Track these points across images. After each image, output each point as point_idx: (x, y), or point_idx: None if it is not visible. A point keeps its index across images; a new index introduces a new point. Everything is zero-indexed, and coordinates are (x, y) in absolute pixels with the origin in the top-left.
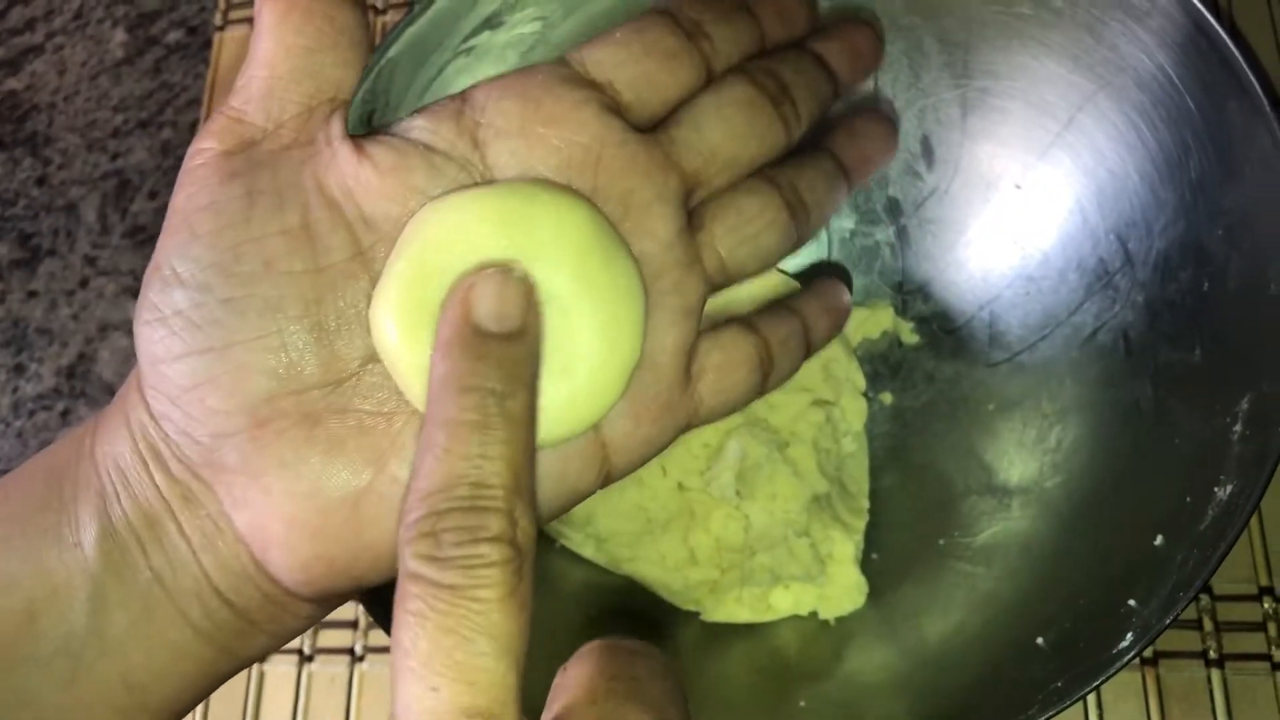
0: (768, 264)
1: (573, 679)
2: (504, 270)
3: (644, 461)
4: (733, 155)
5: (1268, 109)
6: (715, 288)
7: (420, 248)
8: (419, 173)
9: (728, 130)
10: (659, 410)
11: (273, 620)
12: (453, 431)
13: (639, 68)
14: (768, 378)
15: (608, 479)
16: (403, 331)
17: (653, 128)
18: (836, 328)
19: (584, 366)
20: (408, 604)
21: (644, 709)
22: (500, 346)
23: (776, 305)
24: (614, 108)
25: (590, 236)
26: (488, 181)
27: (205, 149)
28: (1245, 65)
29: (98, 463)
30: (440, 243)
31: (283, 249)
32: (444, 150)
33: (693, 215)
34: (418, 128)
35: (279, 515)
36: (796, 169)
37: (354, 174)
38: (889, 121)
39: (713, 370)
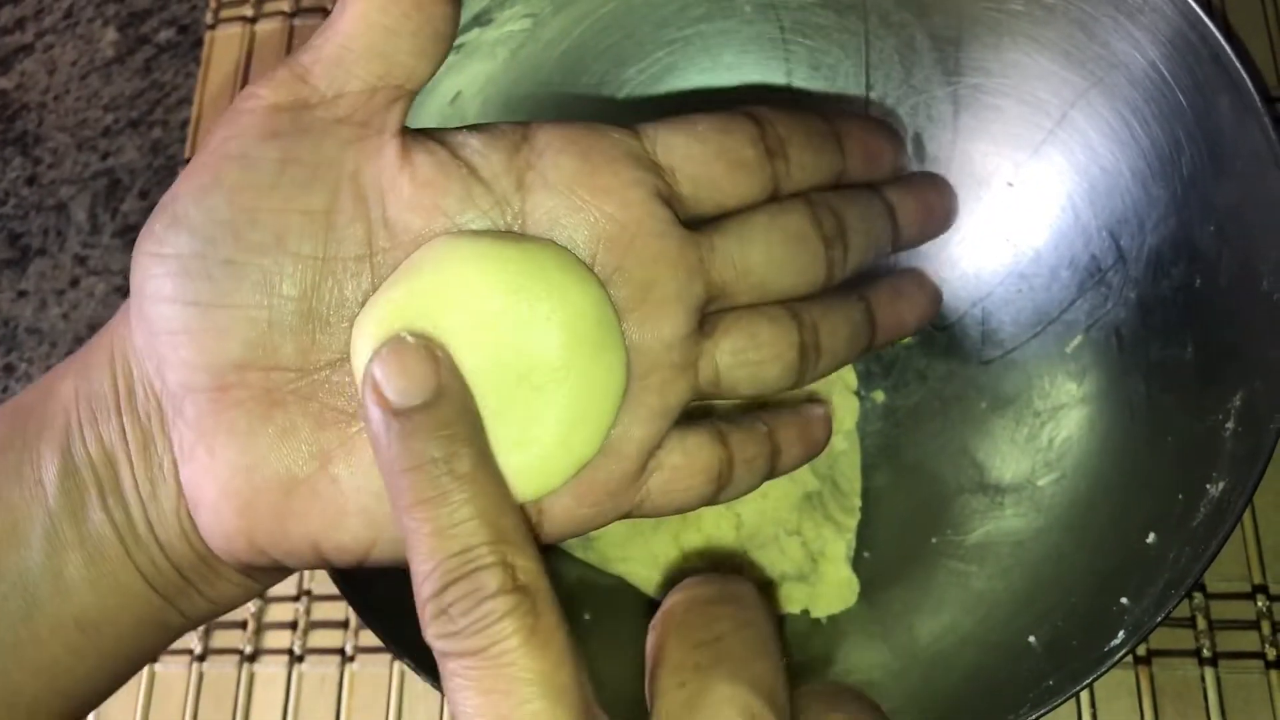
0: (760, 394)
1: (656, 648)
2: (397, 341)
3: (572, 537)
4: (765, 281)
5: (1259, 105)
6: (700, 395)
7: (422, 283)
8: (453, 196)
9: (769, 256)
10: (603, 495)
11: (205, 582)
12: (417, 513)
13: (706, 167)
14: (720, 491)
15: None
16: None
17: (699, 224)
18: (806, 459)
19: (538, 448)
20: (449, 681)
21: (732, 679)
22: (424, 416)
23: (754, 419)
24: (667, 196)
25: (588, 325)
26: (514, 229)
27: (259, 95)
28: (1237, 61)
29: (66, 400)
30: (443, 285)
31: (298, 228)
32: (486, 180)
33: (705, 319)
34: (470, 147)
35: (215, 479)
36: (825, 310)
37: (392, 175)
38: (935, 291)
39: (669, 470)
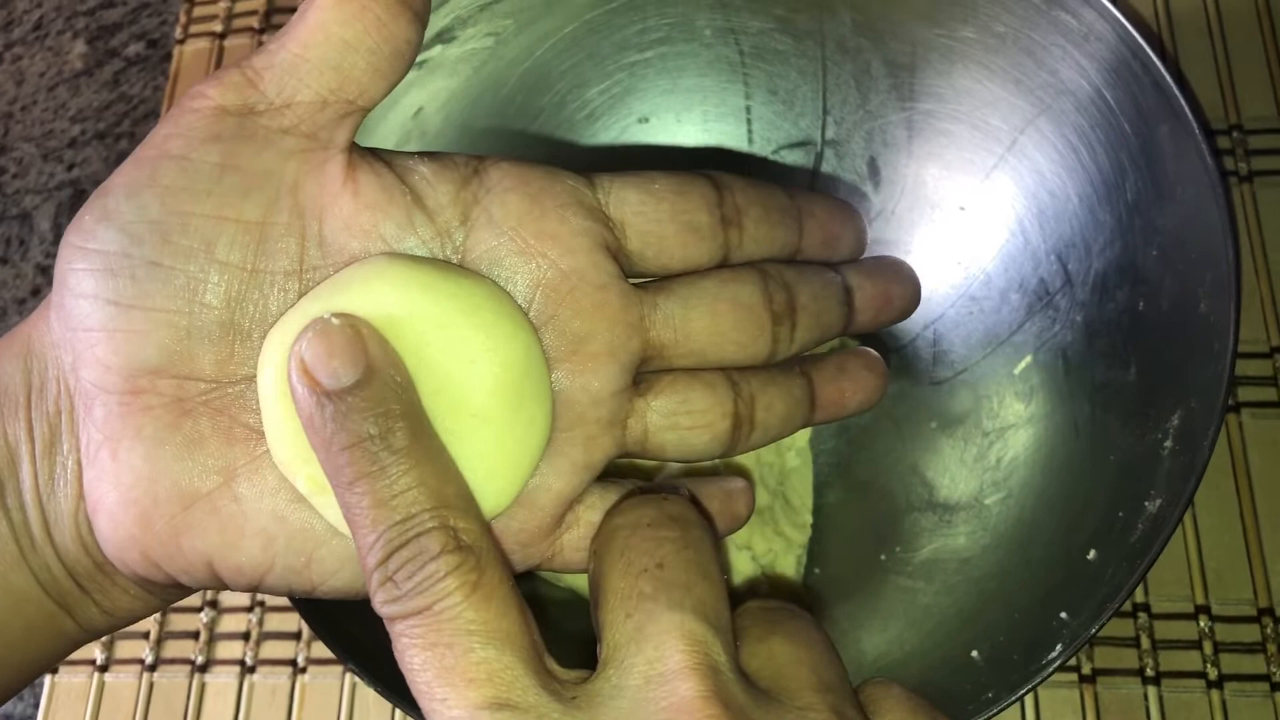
0: (684, 459)
1: (598, 575)
2: (322, 323)
3: None
4: (704, 348)
5: (1197, 132)
6: (627, 455)
7: (345, 300)
8: (393, 221)
9: (713, 324)
10: (514, 546)
11: (100, 591)
12: (358, 488)
13: (658, 227)
14: None
15: None
16: (280, 378)
17: (643, 283)
18: (726, 533)
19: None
20: (398, 644)
21: (677, 606)
22: (355, 395)
23: (679, 483)
24: (614, 250)
25: (514, 374)
26: (446, 262)
27: (207, 95)
28: (1177, 90)
29: None
30: (366, 307)
31: (229, 236)
32: (430, 209)
33: (641, 377)
34: (419, 174)
35: (116, 484)
36: (764, 383)
37: (333, 191)
38: (882, 373)
39: (587, 525)
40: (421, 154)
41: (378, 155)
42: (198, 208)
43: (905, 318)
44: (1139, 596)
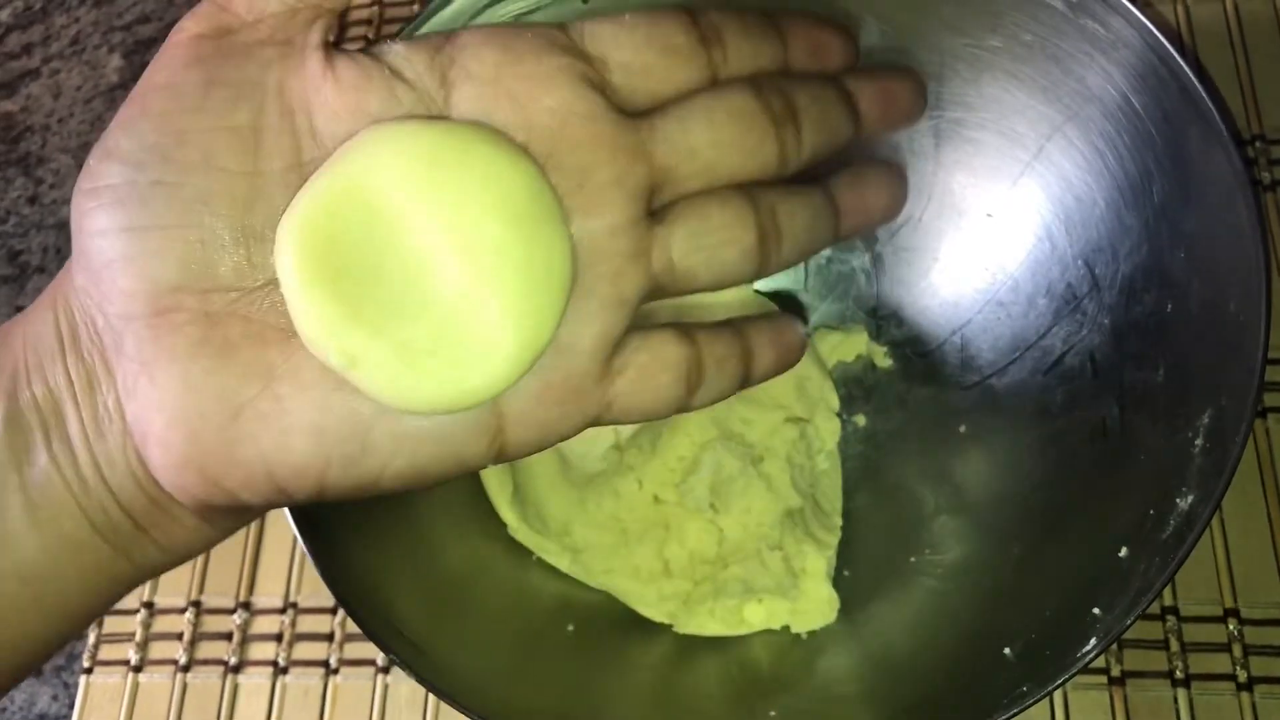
0: (721, 282)
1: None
2: None
3: (541, 446)
4: (712, 162)
5: (1225, 135)
6: (658, 288)
7: (343, 170)
8: (376, 96)
9: (714, 136)
10: (565, 394)
11: (157, 527)
12: None
13: (637, 54)
14: (693, 393)
15: (500, 454)
16: (297, 257)
17: (638, 116)
18: (782, 365)
19: (482, 340)
20: None
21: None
22: None
23: (723, 324)
24: (597, 83)
25: (521, 200)
26: (438, 117)
27: (183, 28)
28: (1204, 93)
29: (15, 347)
30: (364, 171)
31: (226, 145)
32: (409, 80)
33: (656, 210)
34: (393, 52)
35: (160, 409)
36: (782, 195)
37: (315, 84)
38: (901, 177)
39: (635, 370)
40: (392, 38)
41: (354, 50)
42: (191, 124)
43: (914, 117)
44: (1168, 599)
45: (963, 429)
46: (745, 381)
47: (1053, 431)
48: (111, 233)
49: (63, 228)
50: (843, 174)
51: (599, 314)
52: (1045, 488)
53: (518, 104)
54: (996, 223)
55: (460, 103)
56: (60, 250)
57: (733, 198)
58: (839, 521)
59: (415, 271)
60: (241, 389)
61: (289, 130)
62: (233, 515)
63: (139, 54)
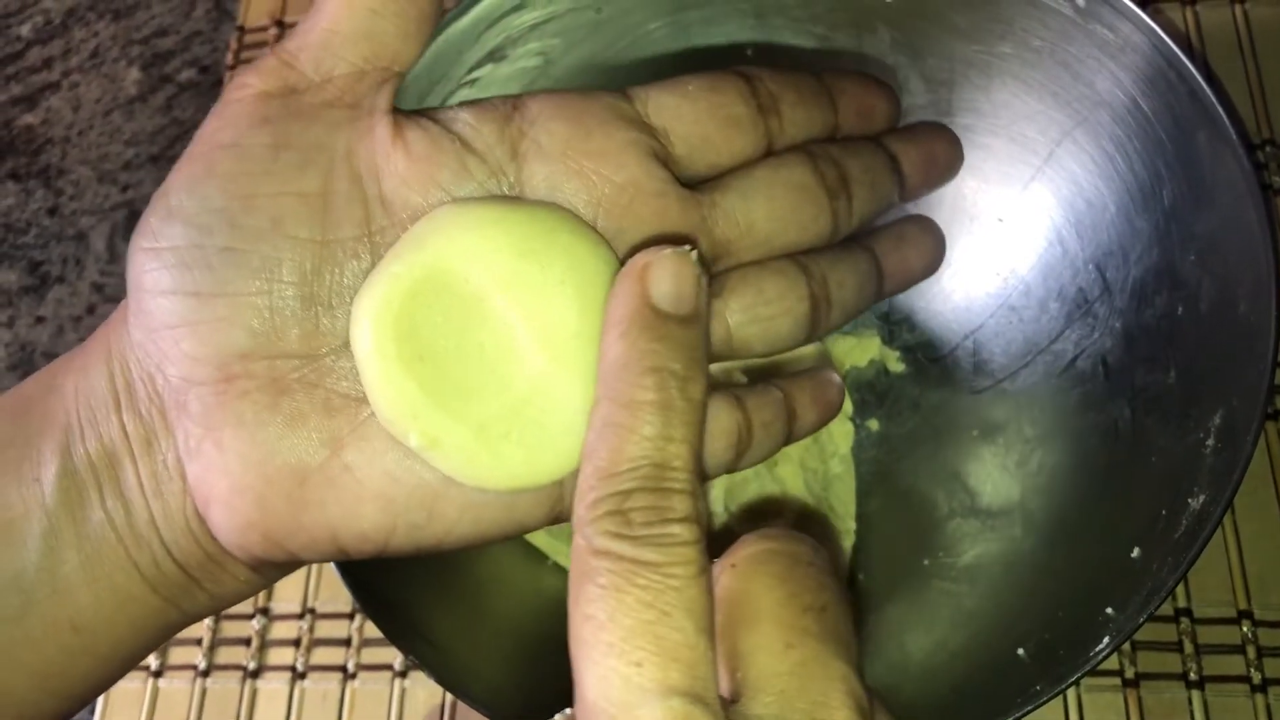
0: (773, 350)
1: (740, 593)
2: (680, 252)
3: None
4: (769, 236)
5: (1234, 138)
6: (713, 359)
7: (423, 255)
8: (447, 169)
9: (772, 210)
10: None
11: (211, 579)
12: (636, 411)
13: (699, 126)
14: (741, 456)
15: (559, 518)
16: (377, 339)
17: (698, 184)
18: (821, 423)
19: (560, 424)
20: (599, 579)
21: (844, 658)
22: (679, 329)
23: (767, 384)
24: (662, 156)
25: (600, 287)
26: (513, 196)
27: (247, 84)
28: (1213, 98)
29: (67, 397)
30: (445, 255)
31: (295, 211)
32: (480, 152)
33: (712, 280)
34: (461, 121)
35: (226, 473)
36: (832, 261)
37: (385, 152)
38: (939, 236)
39: None
40: (460, 104)
41: (420, 113)
42: (259, 188)
43: (952, 176)
44: (1181, 601)
45: (975, 432)
46: (788, 441)
47: (1065, 435)
48: (177, 295)
49: (82, 239)
50: (885, 235)
51: None
52: (1058, 490)
53: (588, 180)
54: (1008, 227)
55: (531, 178)
56: (80, 261)
57: (787, 269)
58: (853, 525)
59: (495, 355)
60: (309, 456)
61: (358, 197)
62: (287, 568)
63: (156, 67)
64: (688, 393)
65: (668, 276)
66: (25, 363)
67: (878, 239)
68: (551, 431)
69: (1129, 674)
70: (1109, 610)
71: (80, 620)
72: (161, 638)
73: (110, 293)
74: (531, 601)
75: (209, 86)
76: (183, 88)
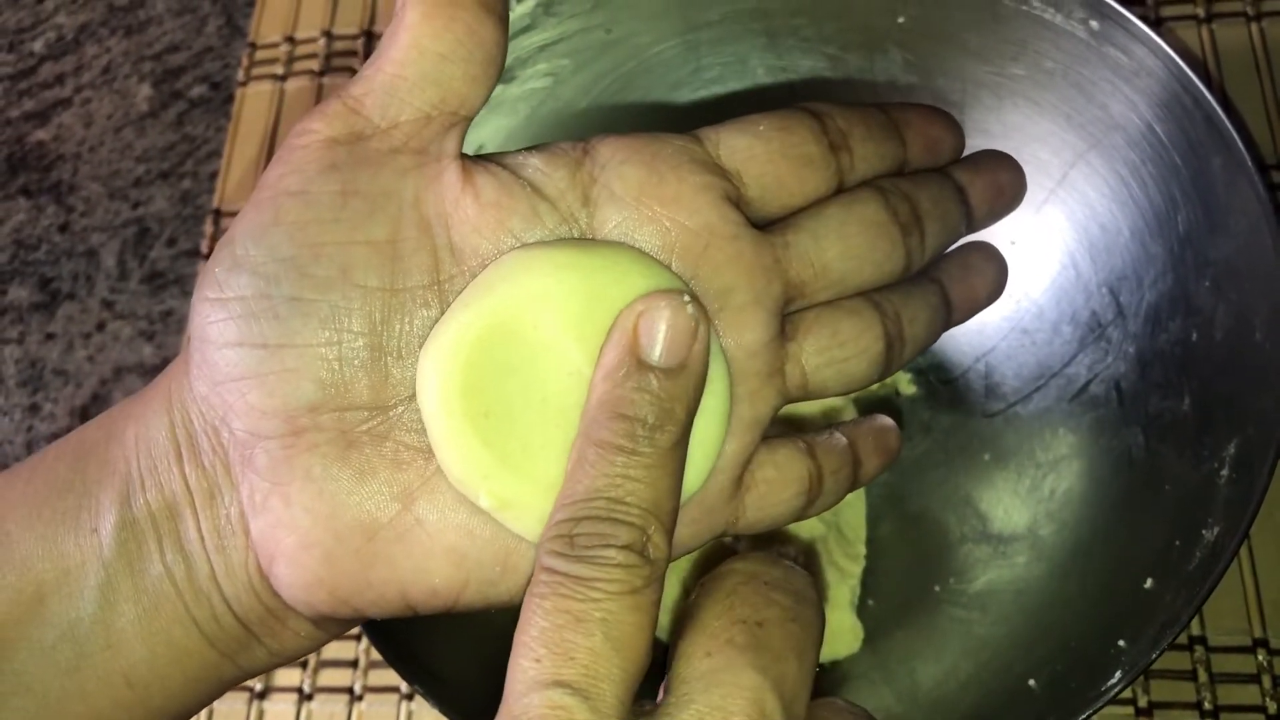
0: (850, 390)
1: (695, 608)
2: (675, 299)
3: (670, 560)
4: (844, 275)
5: (1249, 164)
6: (789, 402)
7: (490, 303)
8: (519, 216)
9: (846, 249)
10: (700, 514)
11: (271, 635)
12: (601, 453)
13: (771, 167)
14: (811, 504)
15: None
16: (443, 394)
17: (769, 225)
18: (882, 470)
19: None
20: (535, 589)
21: (759, 669)
22: (661, 380)
23: (833, 432)
24: (735, 199)
25: None
26: (584, 239)
27: (313, 129)
28: (1229, 123)
29: (127, 446)
30: (513, 301)
31: (363, 260)
32: (551, 198)
33: (785, 321)
34: (531, 166)
35: (293, 529)
36: (904, 298)
37: (454, 199)
38: (1002, 262)
39: (764, 485)
40: (529, 148)
41: (488, 158)
42: (327, 237)
43: (1017, 204)
44: (1196, 629)
45: (987, 457)
46: (852, 488)
47: (1078, 460)
48: (243, 347)
49: (93, 255)
50: (951, 264)
51: (737, 436)
52: (1070, 518)
53: (662, 226)
54: (1020, 250)
55: (604, 224)
56: (90, 278)
57: (862, 309)
58: (863, 550)
59: (569, 409)
60: (380, 511)
61: (427, 246)
62: (349, 624)
63: (167, 83)
64: (655, 441)
65: (659, 326)
66: (35, 379)
67: (944, 269)
68: None
69: (1142, 703)
70: (1121, 642)
71: (134, 675)
72: (217, 693)
73: (120, 310)
74: (501, 608)
75: (220, 103)
76: (194, 104)
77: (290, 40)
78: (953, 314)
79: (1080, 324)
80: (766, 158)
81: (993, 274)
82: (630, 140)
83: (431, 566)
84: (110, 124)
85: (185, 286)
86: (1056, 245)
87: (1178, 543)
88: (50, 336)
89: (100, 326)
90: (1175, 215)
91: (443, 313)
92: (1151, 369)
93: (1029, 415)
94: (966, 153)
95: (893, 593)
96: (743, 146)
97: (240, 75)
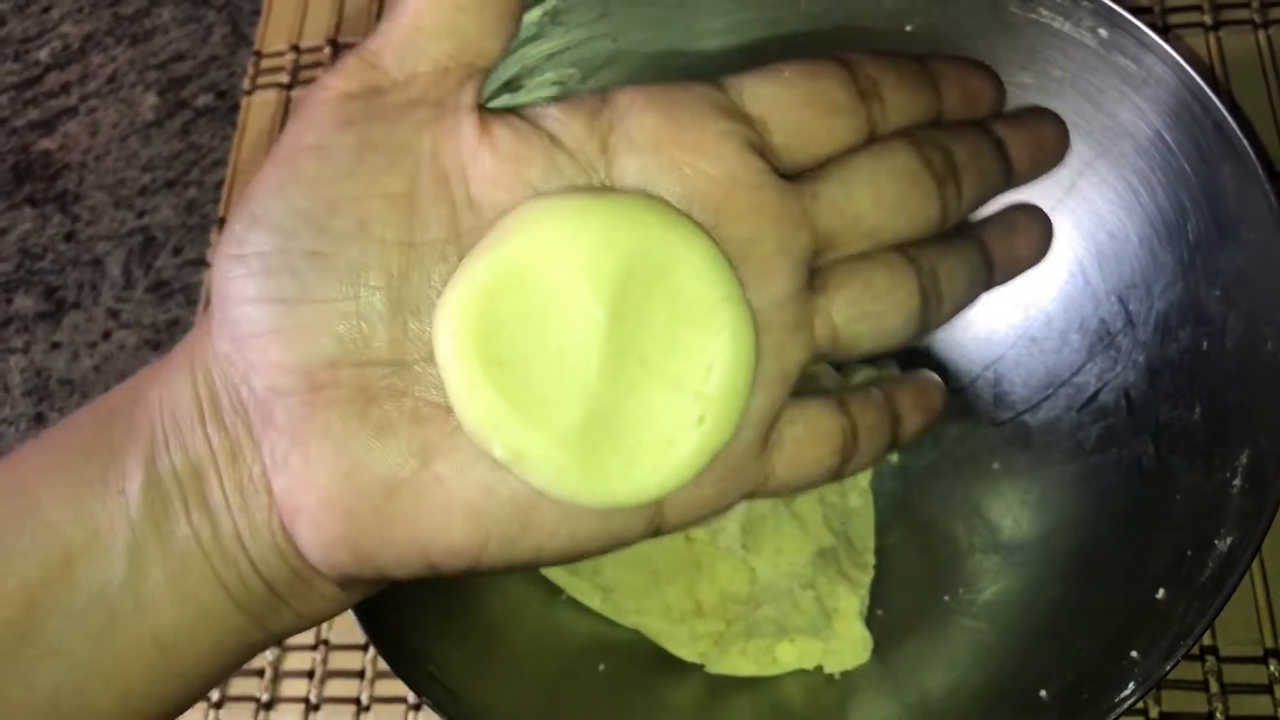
0: (884, 347)
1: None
2: None
3: (697, 522)
4: (876, 226)
5: (1260, 172)
6: (820, 358)
7: (507, 251)
8: (536, 166)
9: (878, 198)
10: (726, 472)
11: (298, 597)
12: None
13: (797, 113)
14: (846, 463)
15: (657, 532)
16: (459, 343)
17: (798, 175)
18: (926, 427)
19: (661, 438)
20: None
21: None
22: None
23: (869, 388)
24: (759, 147)
25: (701, 282)
26: (600, 187)
27: (330, 85)
28: (1239, 131)
29: (152, 408)
30: (526, 250)
31: (381, 213)
32: (570, 148)
33: (814, 275)
34: (550, 116)
35: (313, 487)
36: (940, 252)
37: (471, 150)
38: (1048, 224)
39: (792, 443)
40: (546, 100)
41: (506, 110)
42: (344, 191)
43: (1059, 161)
44: (1207, 640)
45: (996, 466)
46: (891, 446)
47: (1087, 469)
48: (262, 303)
49: (98, 264)
50: (993, 223)
51: (763, 390)
52: (1080, 526)
53: (683, 174)
54: None
55: (622, 173)
56: (96, 287)
57: (896, 262)
58: (872, 560)
59: (585, 359)
60: (399, 467)
61: (445, 198)
62: (374, 585)
63: (173, 91)
64: None
65: None
66: (40, 389)
67: (985, 227)
68: (654, 447)
69: (1153, 714)
70: (1134, 654)
71: (165, 638)
72: (245, 657)
73: (125, 319)
74: (546, 637)
75: (226, 111)
76: (199, 113)
77: (296, 49)
78: (994, 273)
79: (1089, 332)
80: (792, 104)
81: (1037, 234)
82: (650, 88)
83: (451, 524)
84: (116, 133)
85: (191, 295)
86: (1065, 253)
87: (1190, 553)
88: (56, 346)
89: (106, 336)
90: (1185, 223)
91: (459, 265)
92: (1161, 378)
93: (1038, 424)
94: None
95: (902, 603)
96: (767, 93)
97: (246, 84)
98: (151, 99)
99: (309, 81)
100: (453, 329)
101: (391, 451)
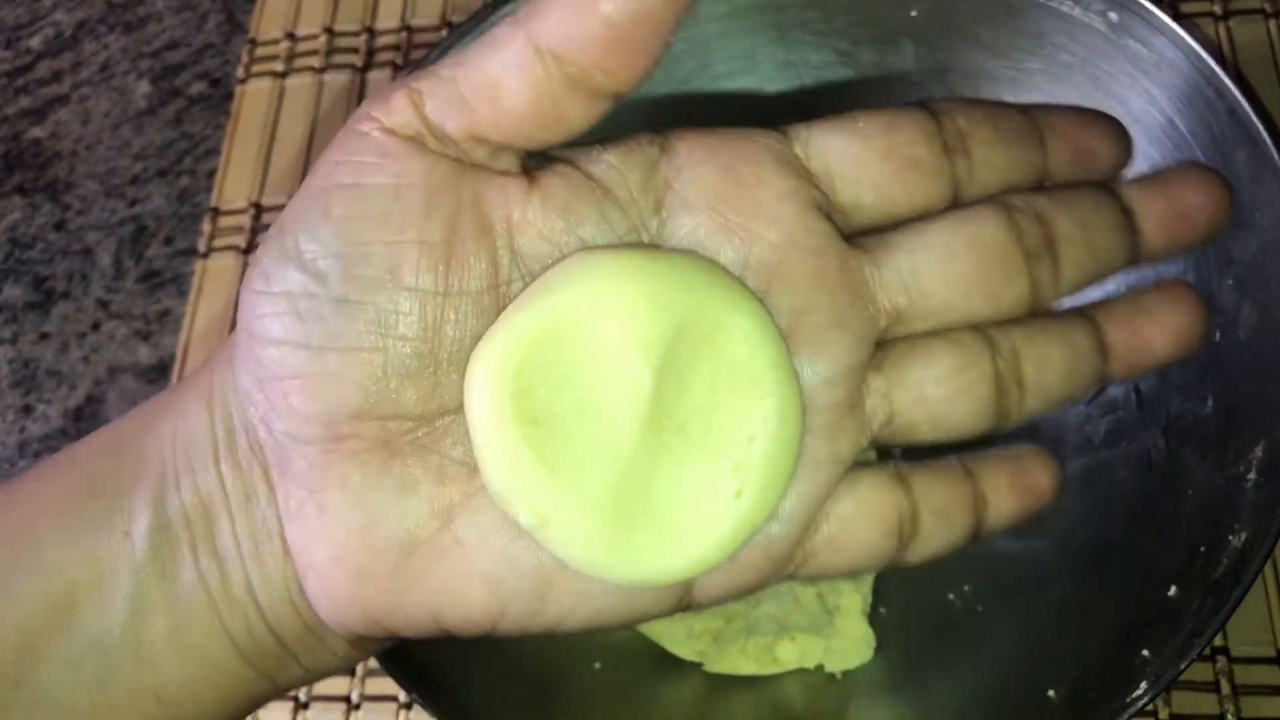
0: (946, 438)
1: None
2: None
3: (727, 600)
4: (946, 304)
5: (1275, 158)
6: (875, 444)
7: (553, 304)
8: (587, 223)
9: (951, 275)
10: (762, 559)
11: (308, 653)
12: None
13: (870, 170)
14: (905, 548)
15: (684, 609)
16: (493, 396)
17: (869, 233)
18: (1023, 515)
19: (698, 514)
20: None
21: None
22: None
23: (949, 458)
24: (824, 208)
25: (749, 350)
26: (653, 245)
27: (372, 117)
28: (1253, 116)
29: (163, 442)
30: (577, 305)
31: (415, 261)
32: (622, 202)
33: (877, 348)
34: (605, 164)
35: (327, 542)
36: (1030, 335)
37: (520, 199)
38: (1195, 309)
39: (837, 521)
40: (602, 143)
41: (556, 156)
42: (376, 235)
43: (1214, 234)
44: (1218, 640)
45: None
46: (976, 533)
47: (1096, 464)
48: (288, 346)
49: (88, 254)
50: (1119, 303)
51: (809, 474)
52: (1089, 522)
53: (736, 238)
54: None
55: (675, 230)
56: (86, 277)
57: (967, 341)
58: None
59: (624, 423)
60: (419, 527)
61: (487, 249)
62: (384, 644)
63: (166, 79)
64: None
65: None
66: (28, 379)
67: (1107, 306)
68: (688, 524)
69: (1164, 715)
70: (1145, 652)
71: (166, 692)
72: (248, 710)
73: (115, 309)
74: (539, 635)
75: (219, 100)
76: (193, 101)
77: (291, 37)
78: (1111, 364)
79: None
80: (864, 159)
81: (1175, 322)
82: (711, 138)
83: (469, 592)
84: (108, 121)
85: (182, 286)
86: None
87: (1202, 549)
88: (44, 336)
89: (95, 326)
90: None
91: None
92: (1172, 370)
93: (1046, 418)
94: None
95: (906, 601)
96: (838, 146)
97: (240, 72)
98: (144, 87)
99: (304, 70)
100: (488, 381)
101: (412, 510)
